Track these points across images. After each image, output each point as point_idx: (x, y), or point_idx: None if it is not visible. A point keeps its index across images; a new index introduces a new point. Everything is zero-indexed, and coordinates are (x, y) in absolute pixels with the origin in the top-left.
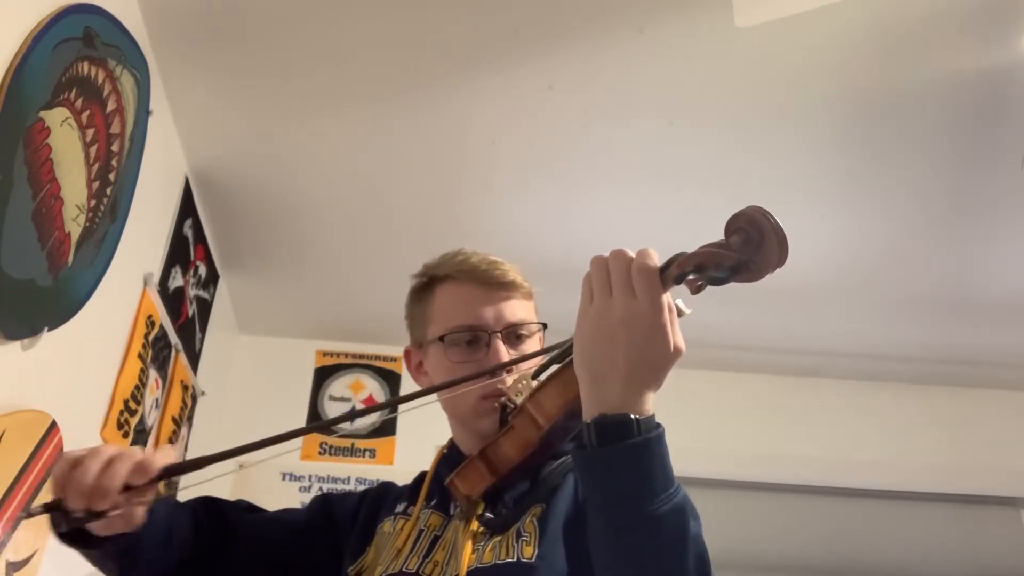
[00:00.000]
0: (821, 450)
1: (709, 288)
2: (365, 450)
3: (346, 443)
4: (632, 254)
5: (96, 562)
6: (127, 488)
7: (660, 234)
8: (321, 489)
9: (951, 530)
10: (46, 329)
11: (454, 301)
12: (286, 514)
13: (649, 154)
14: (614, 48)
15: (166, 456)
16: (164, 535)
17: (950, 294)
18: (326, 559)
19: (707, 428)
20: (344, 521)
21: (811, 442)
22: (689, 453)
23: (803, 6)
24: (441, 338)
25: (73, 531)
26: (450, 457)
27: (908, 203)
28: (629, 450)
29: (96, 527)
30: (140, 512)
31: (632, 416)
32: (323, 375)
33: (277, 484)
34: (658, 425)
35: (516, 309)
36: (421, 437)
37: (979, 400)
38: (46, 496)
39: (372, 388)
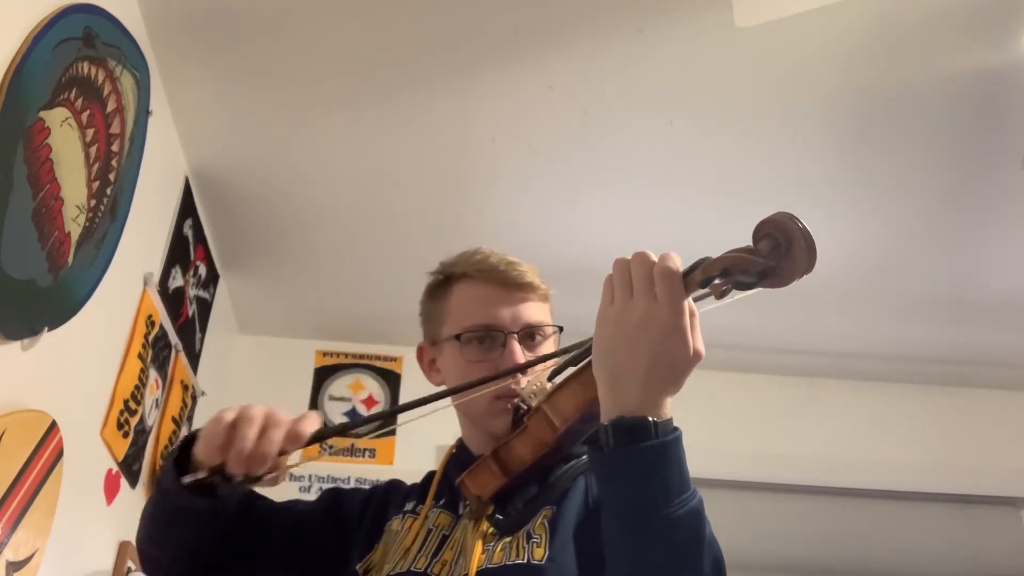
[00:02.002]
0: (821, 450)
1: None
2: (365, 450)
3: (346, 443)
4: (655, 257)
5: (181, 516)
6: (280, 453)
7: (660, 233)
8: (321, 489)
9: (951, 530)
10: (46, 329)
11: (471, 300)
12: (297, 504)
13: (649, 154)
14: (614, 48)
15: (313, 423)
16: (239, 505)
17: (950, 294)
18: (332, 553)
19: (708, 428)
20: (352, 517)
21: (811, 442)
22: (689, 453)
23: (803, 6)
24: (457, 336)
25: (200, 485)
26: (459, 457)
27: (908, 203)
28: (646, 452)
29: (225, 487)
30: (284, 475)
31: (650, 419)
32: (323, 375)
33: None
34: (676, 428)
35: (533, 311)
36: (421, 437)
37: (979, 400)
38: (46, 495)
39: (372, 388)
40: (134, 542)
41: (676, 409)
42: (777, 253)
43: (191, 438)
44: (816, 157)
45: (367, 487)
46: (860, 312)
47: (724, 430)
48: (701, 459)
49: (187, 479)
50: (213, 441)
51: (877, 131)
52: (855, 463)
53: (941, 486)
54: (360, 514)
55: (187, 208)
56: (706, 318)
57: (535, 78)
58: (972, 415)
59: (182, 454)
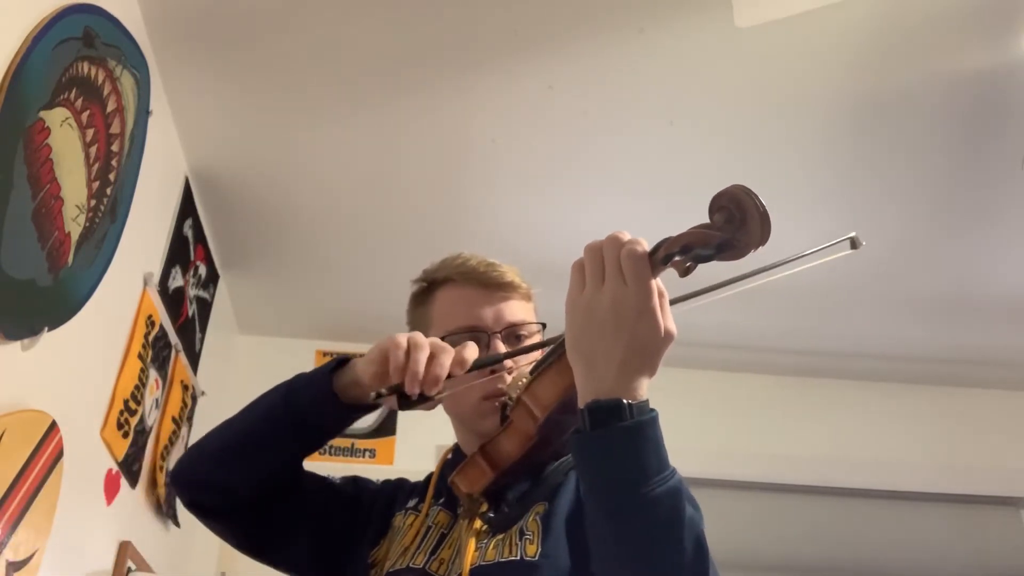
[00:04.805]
0: (821, 450)
1: (711, 290)
2: (365, 450)
3: (346, 443)
4: (624, 238)
5: (313, 430)
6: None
7: (659, 233)
8: None
9: (951, 530)
10: (46, 329)
11: (454, 303)
12: (329, 480)
13: (649, 154)
14: (614, 48)
15: (474, 350)
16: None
17: (950, 294)
18: (345, 536)
19: (707, 428)
20: (365, 506)
21: (811, 442)
22: (689, 453)
23: (803, 6)
24: (441, 339)
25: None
26: (454, 460)
27: (908, 203)
28: (622, 433)
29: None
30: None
31: (625, 401)
32: None
33: None
34: (652, 410)
35: (515, 310)
36: (421, 437)
37: (979, 400)
38: (46, 495)
39: None
40: (134, 541)
41: (677, 409)
42: (732, 225)
43: (340, 362)
44: (816, 157)
45: (378, 480)
46: (860, 312)
47: (724, 430)
48: (701, 459)
49: (372, 395)
50: (389, 363)
51: (877, 131)
52: (855, 463)
53: (941, 486)
54: (370, 505)
55: (187, 208)
56: (709, 318)
57: (535, 78)
58: (972, 415)
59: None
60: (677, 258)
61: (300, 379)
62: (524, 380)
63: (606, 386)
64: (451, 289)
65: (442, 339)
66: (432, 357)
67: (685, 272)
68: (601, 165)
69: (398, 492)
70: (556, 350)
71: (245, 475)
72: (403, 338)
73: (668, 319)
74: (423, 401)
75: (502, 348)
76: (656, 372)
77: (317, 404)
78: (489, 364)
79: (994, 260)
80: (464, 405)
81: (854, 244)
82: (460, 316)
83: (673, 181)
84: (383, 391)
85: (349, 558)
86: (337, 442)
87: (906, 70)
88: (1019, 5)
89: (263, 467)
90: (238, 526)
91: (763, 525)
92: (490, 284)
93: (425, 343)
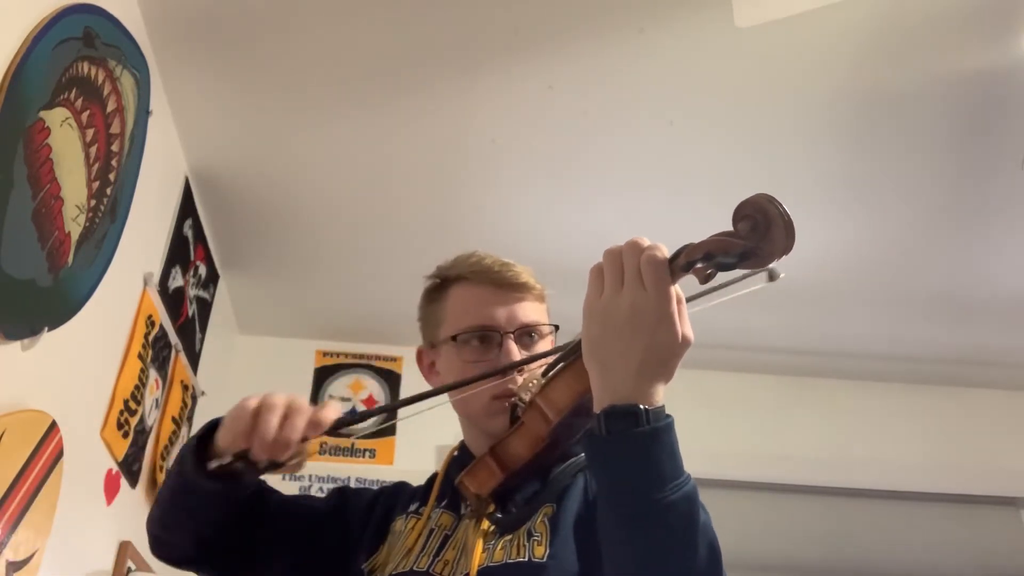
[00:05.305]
0: (821, 450)
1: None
2: (365, 450)
3: (346, 443)
4: (644, 244)
5: (197, 500)
6: (302, 439)
7: (660, 234)
8: (321, 489)
9: (951, 530)
10: (46, 329)
11: (467, 302)
12: (305, 500)
13: (649, 154)
14: (614, 48)
15: (334, 410)
16: (251, 494)
17: (950, 294)
18: (332, 553)
19: (707, 428)
20: (356, 518)
21: (811, 442)
22: (689, 453)
23: (803, 6)
24: (454, 338)
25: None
26: (460, 459)
27: (908, 203)
28: (637, 439)
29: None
30: (305, 462)
31: (641, 406)
32: (323, 375)
33: (277, 483)
34: (668, 416)
35: (528, 310)
36: (421, 437)
37: (979, 400)
38: (46, 495)
39: (372, 388)
40: (134, 541)
41: (677, 409)
42: (756, 234)
43: (212, 426)
44: (815, 158)
45: (375, 487)
46: (860, 312)
47: (724, 430)
48: (701, 459)
49: (212, 464)
50: (237, 428)
51: (877, 131)
52: (855, 463)
53: (941, 486)
54: (365, 515)
55: (187, 208)
56: (708, 318)
57: (535, 78)
58: (972, 415)
59: (200, 442)
60: (699, 265)
61: (184, 449)
62: (536, 382)
63: (623, 391)
64: (464, 287)
65: (454, 338)
66: (285, 419)
67: (706, 279)
68: (601, 165)
69: (398, 497)
70: (570, 353)
71: (186, 537)
72: (255, 400)
73: (686, 325)
74: (274, 468)
75: (515, 348)
76: (672, 378)
77: (197, 478)
78: (347, 425)
79: (994, 260)
80: (474, 405)
81: (772, 276)
82: (472, 315)
83: (673, 181)
84: (225, 460)
85: (344, 569)
86: (337, 442)
87: (906, 70)
88: (1019, 5)
89: (199, 529)
90: (206, 571)
91: (763, 525)
92: (504, 284)
93: (278, 404)
